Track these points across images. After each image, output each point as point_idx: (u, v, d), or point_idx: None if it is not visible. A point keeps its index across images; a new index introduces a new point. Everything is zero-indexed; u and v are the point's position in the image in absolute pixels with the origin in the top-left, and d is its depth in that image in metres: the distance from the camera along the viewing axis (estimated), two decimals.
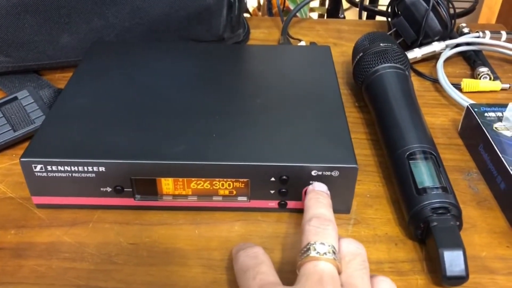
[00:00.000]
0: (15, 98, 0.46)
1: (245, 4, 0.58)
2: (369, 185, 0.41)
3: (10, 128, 0.44)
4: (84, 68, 0.46)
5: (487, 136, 0.41)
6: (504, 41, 0.62)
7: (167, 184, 0.37)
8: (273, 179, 0.36)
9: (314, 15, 0.99)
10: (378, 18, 1.00)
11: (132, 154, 0.36)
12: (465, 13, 0.96)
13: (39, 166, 0.36)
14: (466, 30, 0.64)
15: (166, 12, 0.52)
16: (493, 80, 0.55)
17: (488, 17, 1.10)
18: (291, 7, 0.78)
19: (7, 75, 0.53)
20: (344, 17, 0.83)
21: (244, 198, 0.37)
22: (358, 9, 0.87)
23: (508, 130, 0.42)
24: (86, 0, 0.49)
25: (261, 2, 1.00)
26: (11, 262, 0.34)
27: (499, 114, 0.43)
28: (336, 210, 0.37)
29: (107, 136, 0.37)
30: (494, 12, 1.07)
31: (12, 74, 0.53)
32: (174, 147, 0.36)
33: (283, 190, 0.37)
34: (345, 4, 1.00)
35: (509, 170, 0.37)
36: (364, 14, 0.98)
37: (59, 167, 0.36)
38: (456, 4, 1.00)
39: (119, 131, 0.38)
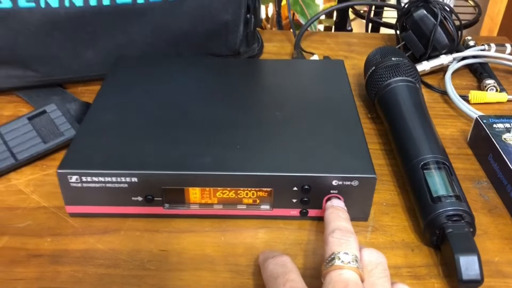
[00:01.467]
0: (44, 112, 0.48)
1: (260, 20, 0.61)
2: (385, 193, 0.43)
3: (41, 141, 0.46)
4: (110, 83, 0.49)
5: (497, 147, 0.43)
6: (509, 53, 0.64)
7: (194, 194, 0.39)
8: (295, 188, 0.38)
9: (321, 27, 1.01)
10: (383, 29, 1.02)
11: (163, 165, 0.38)
12: (469, 25, 0.98)
13: (74, 177, 0.38)
14: (471, 43, 0.66)
15: (186, 29, 0.54)
16: (500, 91, 0.57)
17: (490, 27, 1.13)
18: (300, 20, 0.80)
19: (33, 89, 0.55)
20: (351, 29, 0.85)
21: (267, 207, 0.39)
22: (364, 20, 0.90)
23: None
24: (111, 18, 0.51)
25: (269, 14, 1.02)
26: (50, 268, 0.36)
27: (507, 125, 0.45)
28: (355, 218, 0.39)
29: (138, 148, 0.40)
30: (496, 23, 1.09)
31: (38, 87, 0.55)
32: (201, 158, 0.39)
33: (305, 199, 0.39)
34: (351, 15, 1.02)
35: None
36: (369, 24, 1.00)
37: (94, 178, 0.38)
38: (460, 16, 1.03)
39: (149, 144, 0.40)
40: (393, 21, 0.96)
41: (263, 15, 1.07)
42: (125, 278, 0.35)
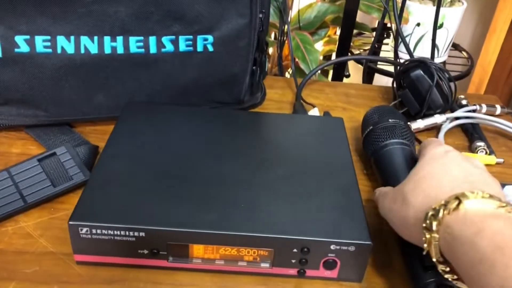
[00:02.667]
0: (54, 154, 0.50)
1: (266, 72, 0.63)
2: (379, 254, 0.45)
3: (50, 184, 0.48)
4: (119, 130, 0.50)
5: None
6: (499, 114, 0.68)
7: (198, 249, 0.41)
8: (295, 250, 0.40)
9: None
10: (377, 75, 1.06)
11: (169, 222, 0.40)
12: (461, 76, 1.02)
13: (85, 229, 0.39)
14: (464, 102, 0.70)
15: (194, 79, 0.56)
16: (489, 154, 0.60)
17: (481, 76, 1.17)
18: (302, 65, 0.83)
19: (42, 127, 0.56)
20: (349, 75, 0.88)
21: (267, 265, 0.41)
22: (359, 64, 0.93)
23: None
24: (123, 66, 0.53)
25: (270, 51, 1.05)
26: None
27: None
28: (349, 279, 0.41)
29: (145, 203, 0.41)
30: (487, 73, 1.14)
31: (47, 126, 0.57)
32: (205, 216, 0.40)
33: (304, 260, 0.41)
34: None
35: None
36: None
37: (103, 231, 0.39)
38: (451, 67, 1.07)
39: (156, 198, 0.42)
40: (389, 67, 1.00)
41: None
42: None
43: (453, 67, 1.06)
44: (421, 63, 0.63)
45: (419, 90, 0.63)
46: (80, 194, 0.42)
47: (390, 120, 0.54)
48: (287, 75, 1.07)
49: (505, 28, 1.07)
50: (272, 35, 1.00)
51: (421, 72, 0.63)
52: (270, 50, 1.05)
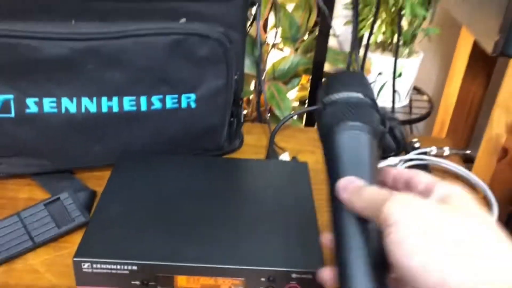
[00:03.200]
0: (58, 199, 0.58)
1: (242, 123, 0.73)
2: None
3: (55, 225, 0.56)
4: (115, 178, 0.59)
5: None
6: (447, 155, 0.78)
7: (182, 280, 0.49)
8: (263, 279, 0.48)
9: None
10: None
11: (157, 257, 0.48)
12: (422, 117, 1.13)
13: (87, 264, 0.47)
14: (417, 144, 0.79)
15: (179, 131, 0.65)
16: None
17: (443, 118, 1.28)
18: (276, 112, 0.93)
19: (47, 175, 0.65)
20: None
21: None
22: None
23: None
24: (118, 121, 0.62)
25: (250, 98, 1.15)
26: None
27: None
28: None
29: (138, 241, 0.49)
30: (449, 114, 1.25)
31: (51, 174, 0.65)
32: (188, 251, 0.49)
33: (270, 287, 0.49)
34: None
35: None
36: None
37: (102, 265, 0.47)
38: (415, 110, 1.18)
39: (147, 237, 0.50)
40: None
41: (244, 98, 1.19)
42: None
43: (417, 109, 1.17)
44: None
45: None
46: (81, 233, 0.50)
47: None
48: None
49: (461, 75, 1.18)
50: (252, 84, 1.10)
51: None
52: (251, 96, 1.15)
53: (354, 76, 0.44)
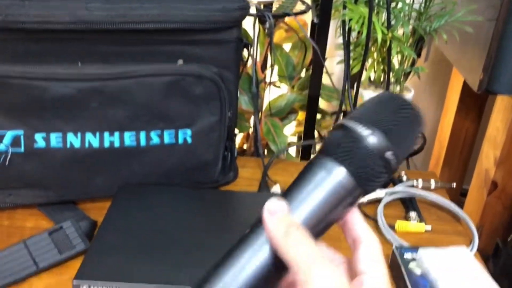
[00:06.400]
0: (61, 228, 0.62)
1: (235, 157, 0.77)
2: None
3: (57, 252, 0.60)
4: (114, 209, 0.63)
5: (403, 273, 0.57)
6: (433, 189, 0.81)
7: None
8: None
9: (292, 149, 1.19)
10: None
11: (149, 280, 0.51)
12: (416, 152, 1.17)
13: (85, 286, 0.51)
14: (404, 178, 0.83)
15: (176, 165, 0.70)
16: (420, 222, 0.72)
17: (439, 150, 1.32)
18: (272, 147, 0.98)
19: (51, 205, 0.69)
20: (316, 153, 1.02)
21: None
22: None
23: (419, 268, 0.58)
24: (119, 156, 0.67)
25: (250, 133, 1.20)
26: None
27: (414, 255, 0.60)
28: None
29: (134, 265, 0.53)
30: (444, 148, 1.29)
31: (55, 204, 0.69)
32: (178, 274, 0.52)
33: None
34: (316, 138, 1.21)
35: None
36: None
37: (99, 287, 0.51)
38: None
39: (140, 262, 0.54)
40: None
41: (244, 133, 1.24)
42: None
43: None
44: None
45: None
46: (81, 260, 0.54)
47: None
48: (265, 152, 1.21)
49: (454, 110, 1.23)
50: (251, 120, 1.15)
51: None
52: (251, 132, 1.20)
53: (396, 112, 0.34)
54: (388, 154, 0.32)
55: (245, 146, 1.26)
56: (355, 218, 0.34)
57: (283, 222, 0.31)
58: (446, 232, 0.72)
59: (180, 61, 0.66)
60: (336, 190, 0.33)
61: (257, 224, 0.33)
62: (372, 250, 0.33)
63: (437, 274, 0.55)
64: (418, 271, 0.58)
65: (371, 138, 0.32)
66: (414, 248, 0.61)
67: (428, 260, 0.58)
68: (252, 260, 0.32)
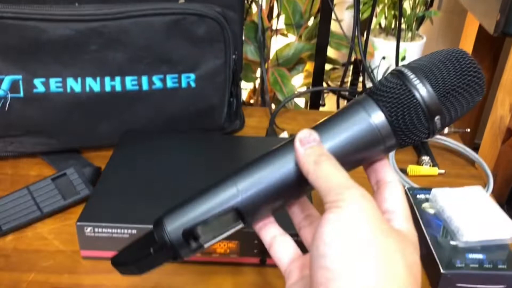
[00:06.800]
0: (65, 174, 0.61)
1: (241, 103, 0.75)
2: None
3: (61, 197, 0.59)
4: (117, 154, 0.62)
5: (416, 213, 0.56)
6: (447, 133, 0.78)
7: None
8: (256, 241, 0.50)
9: (301, 101, 1.16)
10: None
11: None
12: None
13: (89, 228, 0.50)
14: None
15: (180, 110, 0.68)
16: (432, 166, 0.70)
17: None
18: (279, 96, 0.95)
19: (55, 154, 0.68)
20: (324, 104, 1.00)
21: (235, 255, 0.51)
22: (336, 96, 1.04)
23: (432, 209, 0.56)
24: (121, 100, 0.65)
25: (257, 86, 1.17)
26: None
27: (427, 196, 0.58)
28: None
29: (137, 208, 0.52)
30: None
31: (58, 152, 0.68)
32: None
33: (263, 250, 0.51)
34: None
35: (427, 239, 0.52)
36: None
37: (103, 229, 0.50)
38: None
39: (146, 204, 0.52)
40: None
41: (251, 86, 1.22)
42: None
43: None
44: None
45: None
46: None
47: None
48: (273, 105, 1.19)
49: None
50: (258, 72, 1.12)
51: None
52: (257, 85, 1.18)
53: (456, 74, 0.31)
54: (436, 118, 0.31)
55: (252, 101, 1.23)
56: (382, 160, 0.35)
57: (314, 151, 0.32)
58: (460, 176, 0.70)
59: (182, 0, 0.63)
60: (371, 133, 0.32)
61: (285, 146, 0.35)
62: (398, 191, 0.34)
63: (452, 213, 0.53)
64: (431, 211, 0.56)
65: (424, 94, 0.31)
66: (427, 189, 0.59)
67: (442, 200, 0.56)
68: (277, 172, 0.34)
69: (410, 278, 0.29)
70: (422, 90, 0.31)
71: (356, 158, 0.33)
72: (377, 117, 0.32)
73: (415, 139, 0.33)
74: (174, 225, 0.35)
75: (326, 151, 0.32)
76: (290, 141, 0.35)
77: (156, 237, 0.36)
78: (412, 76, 0.31)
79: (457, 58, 0.32)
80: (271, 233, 0.37)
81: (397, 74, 0.32)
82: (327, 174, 0.31)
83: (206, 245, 0.36)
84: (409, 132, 0.32)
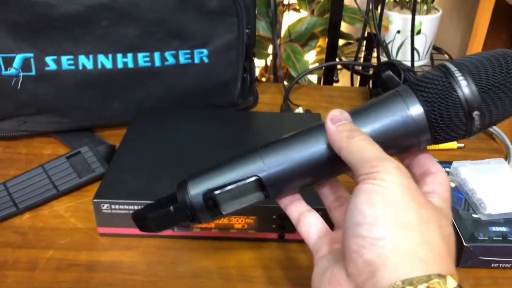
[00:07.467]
0: (79, 152, 0.60)
1: (255, 79, 0.73)
2: None
3: (76, 176, 0.58)
4: (131, 132, 0.61)
5: None
6: None
7: None
8: (274, 216, 0.50)
9: (314, 77, 1.14)
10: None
11: None
12: None
13: (106, 205, 0.50)
14: None
15: (193, 86, 0.67)
16: None
17: None
18: (292, 73, 0.93)
19: (68, 132, 0.67)
20: (338, 80, 0.98)
21: (253, 231, 0.51)
22: (349, 71, 1.02)
23: (452, 182, 0.55)
24: (133, 77, 0.64)
25: (268, 64, 1.16)
26: (85, 274, 0.47)
27: (447, 169, 0.57)
28: None
29: (153, 183, 0.51)
30: None
31: (72, 131, 0.67)
32: None
33: (282, 225, 0.50)
34: (338, 65, 1.16)
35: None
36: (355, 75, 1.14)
37: (120, 206, 0.49)
38: None
39: (161, 181, 0.52)
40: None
41: (263, 64, 1.20)
42: (143, 282, 0.46)
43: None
44: (390, 64, 0.73)
45: (390, 88, 0.72)
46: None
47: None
48: (285, 82, 1.17)
49: (484, 32, 1.16)
50: (270, 48, 1.11)
51: (391, 72, 0.72)
52: (269, 62, 1.16)
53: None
54: (475, 114, 0.31)
55: (263, 79, 1.22)
56: (425, 153, 0.36)
57: (346, 127, 0.32)
58: (479, 149, 0.68)
59: None
60: (405, 124, 0.32)
61: (313, 127, 0.36)
62: (443, 177, 0.35)
63: (474, 185, 0.52)
64: (452, 184, 0.55)
65: (464, 87, 0.31)
66: (447, 163, 0.58)
67: (463, 173, 0.54)
68: (305, 151, 0.35)
69: (445, 247, 0.28)
70: (463, 83, 0.31)
71: (387, 147, 0.32)
72: (416, 110, 0.32)
73: (452, 135, 0.32)
74: (196, 188, 0.36)
75: (357, 128, 0.32)
76: (318, 124, 0.35)
77: (178, 197, 0.37)
78: (454, 69, 0.31)
79: (505, 57, 0.31)
80: (298, 209, 0.38)
81: (440, 68, 0.32)
82: (361, 148, 0.31)
83: (224, 213, 0.36)
84: (445, 126, 0.32)
